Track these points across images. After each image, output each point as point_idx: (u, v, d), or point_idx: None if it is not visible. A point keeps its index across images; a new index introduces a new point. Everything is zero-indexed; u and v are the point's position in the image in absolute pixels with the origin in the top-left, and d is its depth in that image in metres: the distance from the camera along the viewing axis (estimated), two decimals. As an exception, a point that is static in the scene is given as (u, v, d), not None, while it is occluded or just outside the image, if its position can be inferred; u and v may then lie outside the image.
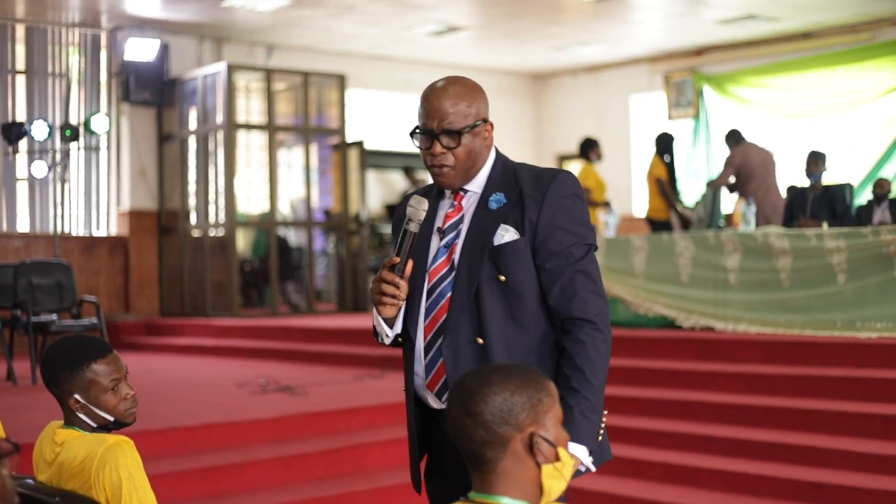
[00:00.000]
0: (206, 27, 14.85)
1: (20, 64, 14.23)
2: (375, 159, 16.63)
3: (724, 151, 12.79)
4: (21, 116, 14.01)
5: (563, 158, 19.26)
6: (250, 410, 8.27)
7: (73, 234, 14.58)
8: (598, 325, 3.15)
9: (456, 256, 3.21)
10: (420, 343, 3.24)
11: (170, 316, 14.88)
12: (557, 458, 2.36)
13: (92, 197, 14.85)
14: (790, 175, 12.83)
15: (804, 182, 10.97)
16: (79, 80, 14.69)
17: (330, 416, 8.23)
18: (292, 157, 16.41)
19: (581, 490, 7.12)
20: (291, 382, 9.59)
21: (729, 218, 11.04)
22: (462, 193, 3.30)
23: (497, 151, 3.35)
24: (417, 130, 3.25)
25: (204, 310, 14.45)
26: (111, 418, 3.32)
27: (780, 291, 9.28)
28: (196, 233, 14.84)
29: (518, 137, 18.93)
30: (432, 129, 3.20)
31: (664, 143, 13.06)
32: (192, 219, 14.90)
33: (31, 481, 3.37)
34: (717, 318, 9.61)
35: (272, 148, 14.59)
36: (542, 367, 3.13)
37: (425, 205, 3.23)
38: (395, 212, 3.45)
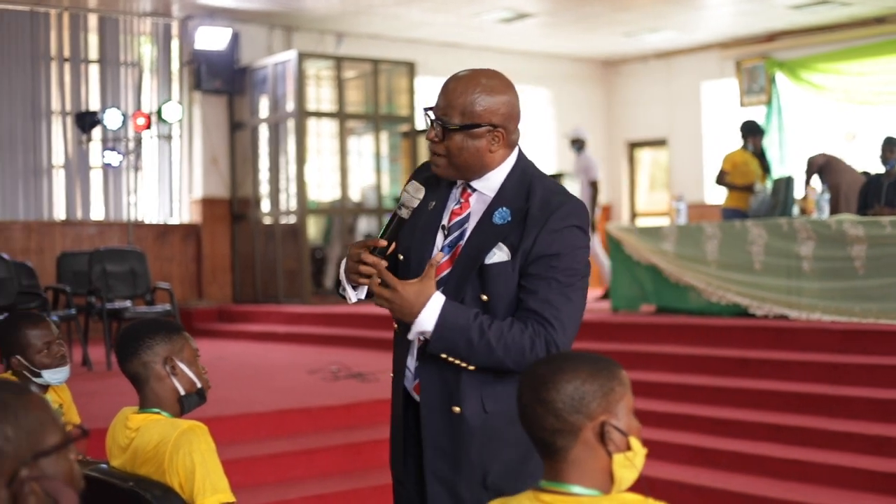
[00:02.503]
0: (277, 15, 14.92)
1: (93, 53, 14.40)
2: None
3: (797, 138, 12.57)
4: (94, 105, 14.17)
5: (634, 145, 19.16)
6: (321, 397, 8.32)
7: (147, 221, 14.73)
8: (546, 336, 3.02)
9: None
10: (415, 343, 3.18)
11: (242, 303, 14.99)
12: (629, 448, 2.34)
13: (165, 185, 15.00)
14: (865, 162, 12.65)
15: (879, 169, 10.81)
16: (151, 69, 14.83)
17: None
18: (362, 145, 16.46)
19: (650, 478, 7.08)
20: (363, 369, 9.63)
21: (802, 205, 10.90)
22: (470, 191, 3.22)
23: (520, 156, 3.23)
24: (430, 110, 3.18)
25: (276, 297, 14.54)
26: (199, 384, 3.39)
27: (855, 279, 9.16)
28: (267, 220, 14.94)
29: (588, 125, 18.79)
30: (431, 114, 3.15)
31: (743, 131, 12.81)
32: (264, 206, 15.00)
33: (104, 466, 3.40)
34: (791, 306, 9.50)
35: (342, 136, 14.65)
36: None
37: (421, 193, 3.18)
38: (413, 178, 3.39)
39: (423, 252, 3.20)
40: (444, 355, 3.04)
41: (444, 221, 3.21)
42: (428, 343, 3.04)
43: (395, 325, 3.24)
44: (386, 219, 14.81)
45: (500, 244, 3.08)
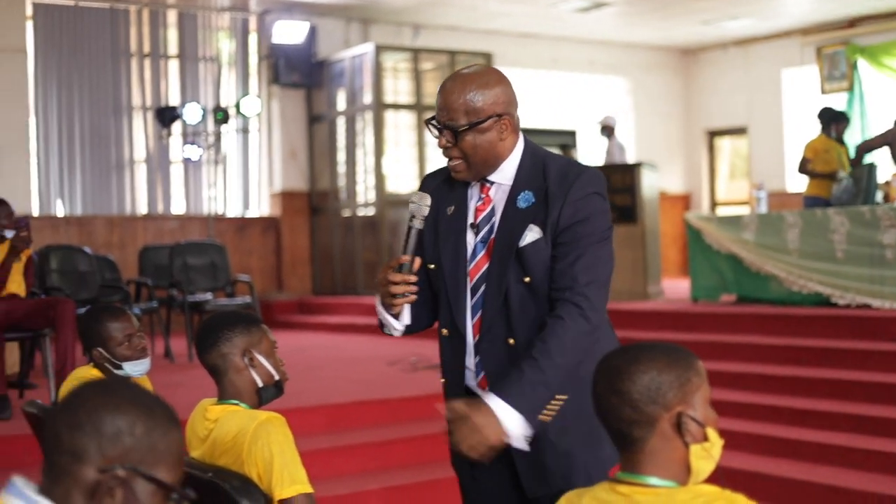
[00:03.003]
0: (354, 8, 14.98)
1: (173, 49, 14.56)
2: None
3: (879, 125, 12.33)
4: (174, 100, 14.33)
5: (714, 134, 19.00)
6: (400, 388, 8.36)
7: (227, 215, 14.87)
8: (585, 311, 3.07)
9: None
10: (471, 340, 3.23)
11: (321, 294, 15.08)
12: (706, 438, 2.34)
13: (244, 178, 15.13)
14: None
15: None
16: (229, 64, 14.96)
17: (479, 394, 8.25)
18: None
19: (730, 469, 7.01)
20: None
21: (885, 191, 10.73)
22: (488, 185, 3.25)
23: (525, 141, 3.28)
24: (434, 120, 3.22)
25: (355, 288, 14.60)
26: (277, 376, 3.41)
27: (940, 268, 9.02)
28: (346, 212, 15.01)
29: (667, 113, 18.73)
30: (437, 122, 3.19)
31: (824, 118, 12.63)
32: (342, 198, 15.07)
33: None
34: (874, 295, 9.36)
35: (420, 127, 14.66)
36: (575, 369, 3.07)
37: (427, 200, 3.22)
38: (421, 185, 3.45)
39: (457, 256, 3.24)
40: (547, 414, 3.07)
41: (471, 220, 3.25)
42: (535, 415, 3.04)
43: (444, 331, 3.29)
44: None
45: (531, 225, 3.14)
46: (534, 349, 3.02)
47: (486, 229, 3.21)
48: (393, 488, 6.75)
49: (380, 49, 14.35)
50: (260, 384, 3.38)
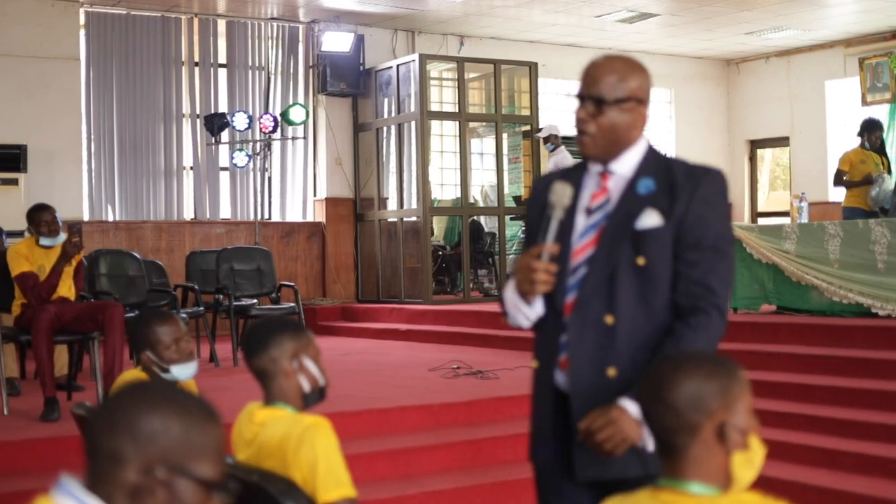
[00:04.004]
0: (400, 19, 15.09)
1: (222, 57, 14.72)
2: (566, 146, 16.64)
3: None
4: (223, 108, 14.47)
5: (755, 144, 18.96)
6: (442, 394, 8.39)
7: (273, 221, 15.02)
8: (723, 315, 3.16)
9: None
10: (563, 318, 3.23)
11: (365, 301, 15.16)
12: (748, 447, 2.39)
13: (290, 185, 15.27)
14: None
15: None
16: (277, 73, 15.10)
17: (520, 400, 8.26)
18: (484, 145, 16.56)
19: (771, 479, 7.04)
20: (483, 367, 9.69)
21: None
22: (608, 174, 3.27)
23: (649, 142, 3.32)
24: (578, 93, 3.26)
25: (398, 295, 14.68)
26: (322, 381, 3.48)
27: (981, 279, 9.02)
28: (390, 219, 15.11)
29: (709, 123, 18.71)
30: (581, 94, 3.23)
31: (861, 129, 12.64)
32: (387, 206, 15.18)
33: (230, 460, 3.46)
34: (915, 306, 9.38)
35: (464, 136, 14.73)
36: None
37: (569, 191, 3.23)
38: (534, 194, 3.46)
39: (568, 238, 3.24)
40: None
41: (586, 204, 3.26)
42: None
43: (544, 317, 3.27)
44: (507, 218, 14.95)
45: (650, 209, 3.17)
46: (670, 345, 3.09)
47: (599, 215, 3.23)
48: (434, 493, 6.79)
49: (425, 59, 14.42)
50: (307, 389, 3.44)
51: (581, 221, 3.25)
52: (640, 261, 3.15)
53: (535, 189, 3.45)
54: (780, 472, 7.18)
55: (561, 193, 3.22)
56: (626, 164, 3.25)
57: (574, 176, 3.32)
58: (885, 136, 12.64)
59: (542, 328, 3.31)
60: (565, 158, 14.03)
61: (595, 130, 3.20)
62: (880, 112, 15.73)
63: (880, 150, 12.45)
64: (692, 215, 3.15)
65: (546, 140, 14.31)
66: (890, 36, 16.27)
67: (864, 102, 16.40)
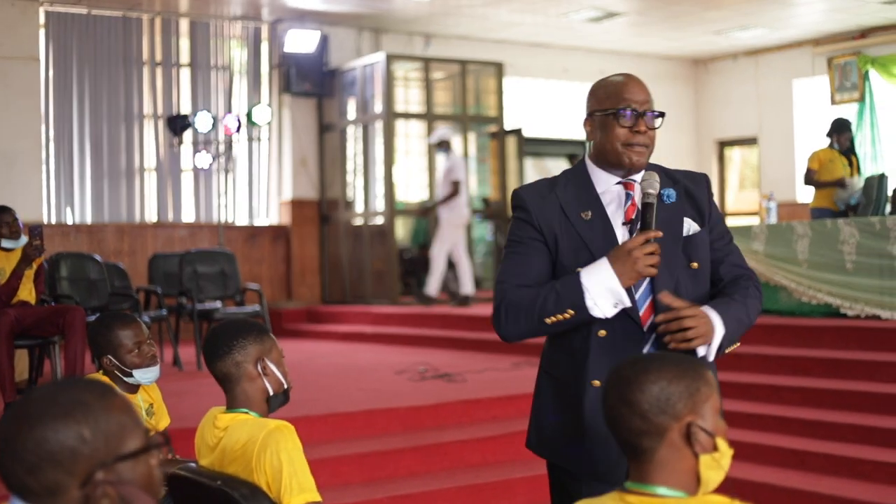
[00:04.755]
0: (365, 18, 15.01)
1: (184, 57, 14.60)
2: (533, 147, 16.64)
3: (891, 135, 12.32)
4: (185, 109, 14.36)
5: (724, 144, 18.98)
6: (409, 397, 8.36)
7: (237, 223, 14.90)
8: (755, 283, 3.50)
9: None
10: (645, 328, 3.32)
11: (330, 303, 15.09)
12: (715, 449, 2.35)
13: (254, 187, 15.16)
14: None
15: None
16: (241, 73, 15.00)
17: (488, 403, 8.27)
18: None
19: (740, 480, 7.02)
20: (450, 369, 9.66)
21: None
22: (632, 183, 3.43)
23: None
24: (621, 110, 3.34)
25: (364, 297, 14.62)
26: (286, 385, 3.45)
27: (950, 279, 9.00)
28: (356, 221, 15.02)
29: (677, 123, 18.69)
30: (637, 108, 3.36)
31: (830, 130, 12.63)
32: (353, 207, 15.09)
33: (193, 465, 3.46)
34: (883, 306, 9.34)
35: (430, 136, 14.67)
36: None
37: (657, 176, 3.36)
38: (522, 200, 3.46)
39: (607, 245, 3.34)
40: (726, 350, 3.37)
41: (623, 219, 3.41)
42: (719, 347, 3.30)
43: (602, 332, 3.30)
44: (475, 218, 14.88)
45: (686, 218, 3.43)
46: (739, 296, 3.40)
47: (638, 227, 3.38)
48: (401, 497, 6.75)
49: (391, 58, 14.37)
50: (271, 392, 3.41)
51: (621, 233, 3.38)
52: (694, 265, 3.42)
53: (536, 191, 3.49)
54: (750, 473, 7.21)
55: (650, 179, 3.34)
56: (640, 174, 3.43)
57: (581, 192, 3.43)
58: (853, 135, 12.62)
59: (598, 346, 3.32)
60: (458, 161, 13.98)
61: (650, 142, 3.39)
62: (849, 111, 15.78)
63: (849, 150, 12.45)
64: (714, 215, 3.50)
65: (439, 146, 14.16)
66: (858, 35, 16.31)
67: (833, 102, 16.43)
